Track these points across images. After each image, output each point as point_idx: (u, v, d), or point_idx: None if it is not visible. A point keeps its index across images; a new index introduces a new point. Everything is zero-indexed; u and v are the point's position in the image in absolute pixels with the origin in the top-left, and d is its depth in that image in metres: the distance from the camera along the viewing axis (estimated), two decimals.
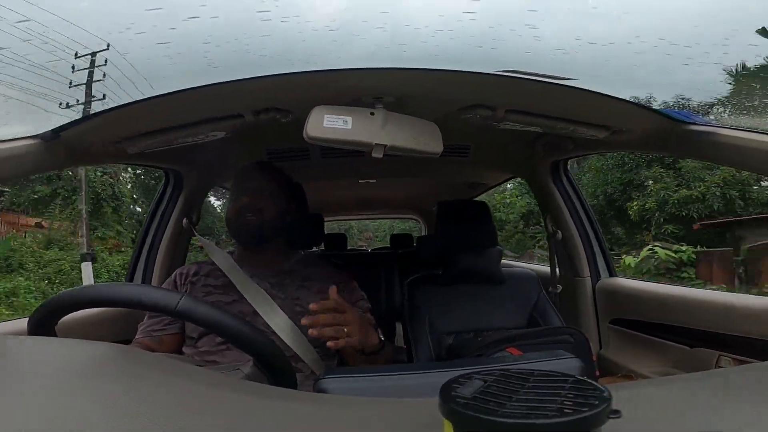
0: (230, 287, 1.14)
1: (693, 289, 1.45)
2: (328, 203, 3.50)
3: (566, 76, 0.96)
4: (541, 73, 0.94)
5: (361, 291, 1.29)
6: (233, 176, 1.27)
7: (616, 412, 0.33)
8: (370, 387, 0.57)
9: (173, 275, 1.25)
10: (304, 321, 0.93)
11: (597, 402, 0.33)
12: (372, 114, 0.99)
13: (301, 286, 1.20)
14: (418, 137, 1.04)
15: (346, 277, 1.29)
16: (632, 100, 1.11)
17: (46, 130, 1.04)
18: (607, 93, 1.03)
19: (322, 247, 3.40)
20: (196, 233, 1.71)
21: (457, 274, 1.60)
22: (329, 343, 0.93)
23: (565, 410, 0.32)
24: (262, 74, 0.90)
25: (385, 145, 0.99)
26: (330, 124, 0.96)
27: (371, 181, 2.54)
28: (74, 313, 0.72)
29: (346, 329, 0.94)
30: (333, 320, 0.94)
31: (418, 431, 0.40)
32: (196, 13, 0.79)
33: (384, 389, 0.57)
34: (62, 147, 1.08)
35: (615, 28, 0.98)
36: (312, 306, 0.93)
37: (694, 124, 1.10)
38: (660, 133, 1.17)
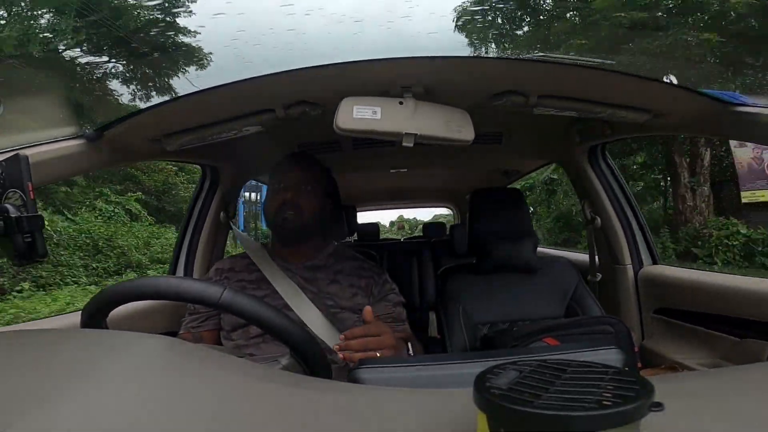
0: (263, 281, 1.17)
1: (743, 277, 1.37)
2: (360, 194, 3.52)
3: (602, 59, 0.92)
4: (574, 56, 0.91)
5: (392, 284, 1.28)
6: (272, 169, 1.29)
7: (659, 405, 0.32)
8: (404, 377, 0.58)
9: (210, 271, 1.29)
10: (335, 347, 0.90)
11: (638, 394, 0.31)
12: (401, 103, 0.99)
13: (333, 281, 1.21)
14: (449, 125, 1.02)
15: (376, 270, 1.29)
16: (675, 82, 1.06)
17: (89, 129, 1.08)
18: (648, 75, 0.99)
19: (355, 236, 3.42)
20: (233, 226, 1.76)
21: (492, 264, 1.58)
22: None
23: (604, 402, 0.31)
24: (290, 68, 0.91)
25: (416, 134, 0.99)
26: (360, 114, 0.96)
27: (403, 170, 2.54)
28: (123, 306, 0.76)
29: (378, 353, 0.89)
30: (364, 345, 0.89)
31: (452, 422, 0.40)
32: (222, 10, 0.81)
33: (418, 380, 0.57)
34: (105, 146, 1.13)
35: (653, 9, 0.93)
36: (341, 337, 0.90)
37: (745, 105, 1.03)
38: (707, 115, 1.11)
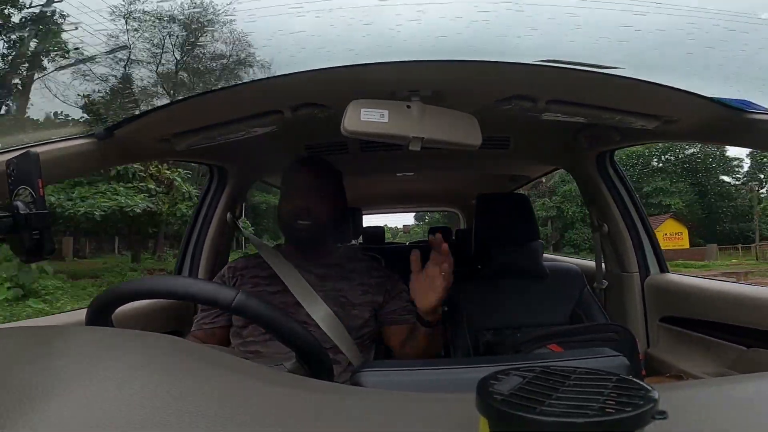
0: (275, 278, 1.19)
1: (751, 286, 1.35)
2: (366, 197, 3.51)
3: (611, 65, 0.91)
4: (583, 61, 0.90)
5: (403, 284, 1.30)
6: (284, 173, 1.29)
7: (662, 413, 0.31)
8: (406, 381, 0.57)
9: (224, 270, 1.30)
10: (430, 238, 1.00)
11: (641, 402, 0.31)
12: (409, 107, 0.99)
13: (344, 278, 1.23)
14: (456, 129, 1.02)
15: (387, 272, 1.31)
16: (685, 89, 1.05)
17: (99, 128, 1.10)
18: (657, 82, 0.98)
19: (360, 240, 3.42)
20: (240, 227, 1.76)
21: (497, 269, 1.58)
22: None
23: (607, 409, 0.31)
24: (299, 70, 0.92)
25: (423, 138, 0.99)
26: (367, 117, 0.96)
27: (409, 174, 2.53)
28: (130, 304, 0.76)
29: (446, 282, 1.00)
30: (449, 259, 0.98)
31: (453, 427, 0.39)
32: (233, 12, 0.81)
33: (420, 384, 0.57)
34: (115, 145, 1.14)
35: (665, 14, 0.93)
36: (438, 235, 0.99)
37: (757, 112, 1.03)
38: (718, 122, 1.10)
